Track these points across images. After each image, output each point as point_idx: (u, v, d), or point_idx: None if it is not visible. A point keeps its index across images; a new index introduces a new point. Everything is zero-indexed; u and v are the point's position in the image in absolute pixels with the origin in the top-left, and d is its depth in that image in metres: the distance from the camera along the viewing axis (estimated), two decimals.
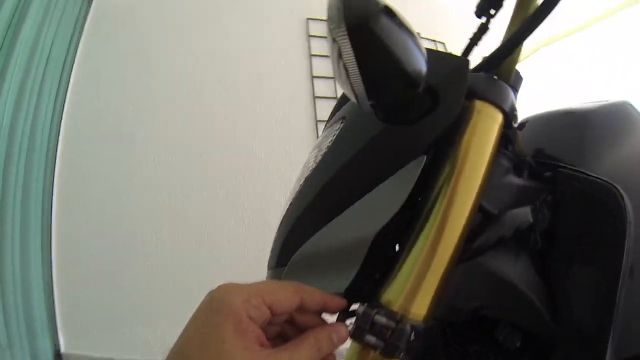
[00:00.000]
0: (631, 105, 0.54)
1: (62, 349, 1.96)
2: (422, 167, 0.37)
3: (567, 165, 0.44)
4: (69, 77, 2.03)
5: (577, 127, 0.50)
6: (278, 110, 2.27)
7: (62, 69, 1.99)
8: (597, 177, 0.41)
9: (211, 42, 2.24)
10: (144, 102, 2.11)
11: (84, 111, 2.04)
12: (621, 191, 0.39)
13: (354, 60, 0.33)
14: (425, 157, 0.38)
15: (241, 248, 2.13)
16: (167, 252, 2.08)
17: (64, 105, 2.01)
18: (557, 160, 0.46)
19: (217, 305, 0.32)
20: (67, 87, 2.02)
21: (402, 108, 0.38)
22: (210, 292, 0.33)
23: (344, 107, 0.51)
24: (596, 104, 0.52)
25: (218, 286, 0.34)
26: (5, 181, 1.70)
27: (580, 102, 0.54)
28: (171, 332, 0.34)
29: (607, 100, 0.53)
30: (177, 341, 0.32)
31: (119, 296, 2.04)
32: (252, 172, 2.21)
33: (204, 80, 2.20)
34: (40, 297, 1.90)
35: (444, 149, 0.39)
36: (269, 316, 0.33)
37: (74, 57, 2.04)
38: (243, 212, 2.18)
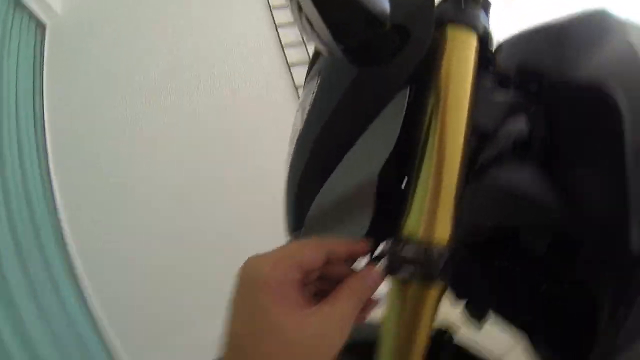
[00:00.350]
0: (607, 11, 0.53)
1: None
2: (407, 99, 0.38)
3: (552, 75, 0.44)
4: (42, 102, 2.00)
5: (556, 39, 0.49)
6: (255, 87, 2.24)
7: (33, 96, 1.96)
8: (584, 80, 0.41)
9: (178, 31, 2.19)
10: (118, 101, 2.09)
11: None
12: (610, 89, 0.39)
13: (314, 8, 0.33)
14: (407, 91, 0.38)
15: (249, 228, 2.15)
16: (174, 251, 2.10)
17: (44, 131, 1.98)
18: (541, 72, 0.46)
19: (248, 281, 0.33)
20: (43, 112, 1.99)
21: (373, 49, 0.38)
22: (238, 272, 0.34)
23: (318, 62, 0.50)
24: (572, 16, 0.52)
25: (244, 263, 0.34)
26: None
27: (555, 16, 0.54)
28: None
29: (582, 11, 0.53)
30: (225, 329, 0.33)
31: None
32: (244, 152, 2.20)
33: (174, 70, 2.17)
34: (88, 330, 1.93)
35: (426, 80, 0.39)
36: (300, 276, 0.34)
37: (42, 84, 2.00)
38: (246, 194, 2.19)
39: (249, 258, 0.35)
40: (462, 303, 0.85)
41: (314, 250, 0.36)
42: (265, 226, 2.17)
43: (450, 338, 0.62)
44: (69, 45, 2.04)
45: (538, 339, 0.65)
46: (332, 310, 0.34)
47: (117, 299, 2.00)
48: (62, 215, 1.96)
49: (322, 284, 0.39)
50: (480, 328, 0.85)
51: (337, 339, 0.33)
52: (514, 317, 0.71)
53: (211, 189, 2.16)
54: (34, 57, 2.00)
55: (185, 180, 2.13)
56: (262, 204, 2.15)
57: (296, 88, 2.28)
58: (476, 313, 0.82)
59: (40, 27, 2.02)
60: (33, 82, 1.98)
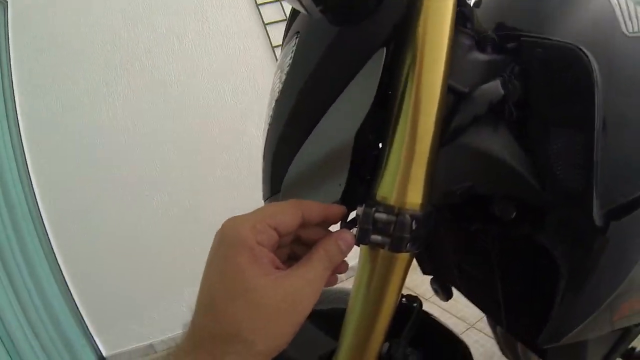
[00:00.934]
0: None
1: (104, 353, 2.04)
2: (383, 59, 0.37)
3: (529, 34, 0.44)
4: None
5: None
6: (231, 47, 2.21)
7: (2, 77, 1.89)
8: (560, 41, 0.41)
9: (148, 1, 2.11)
10: (91, 74, 2.03)
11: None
12: (585, 50, 0.39)
13: None
14: (384, 49, 0.38)
15: (232, 190, 2.17)
16: (161, 225, 2.11)
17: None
18: (519, 31, 0.46)
19: (227, 240, 0.33)
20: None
21: (351, 7, 0.38)
22: (217, 232, 0.34)
23: (295, 21, 0.49)
24: None
25: (222, 223, 0.34)
26: None
27: None
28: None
29: None
30: (201, 285, 0.34)
31: (134, 279, 2.08)
32: (223, 117, 2.19)
33: (151, 42, 2.11)
34: (65, 312, 1.93)
35: (402, 39, 0.39)
36: (277, 238, 0.35)
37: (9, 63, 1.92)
38: (225, 156, 2.19)
39: (227, 220, 0.35)
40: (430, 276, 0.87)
41: (290, 211, 0.36)
42: (245, 188, 2.23)
43: (419, 307, 0.63)
44: (33, 22, 1.97)
45: (498, 315, 0.67)
46: (305, 271, 0.34)
47: (89, 273, 2.01)
48: (39, 197, 1.96)
49: (295, 248, 0.40)
50: (446, 300, 0.87)
51: (309, 301, 0.34)
52: (476, 293, 0.73)
53: (188, 158, 2.16)
54: None
55: (162, 152, 2.12)
56: (239, 166, 2.17)
57: (272, 48, 2.26)
58: (442, 287, 0.84)
59: (2, 4, 1.94)
60: (0, 63, 1.92)
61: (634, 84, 0.43)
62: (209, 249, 0.34)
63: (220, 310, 0.32)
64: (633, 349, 0.95)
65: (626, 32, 0.44)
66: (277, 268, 0.34)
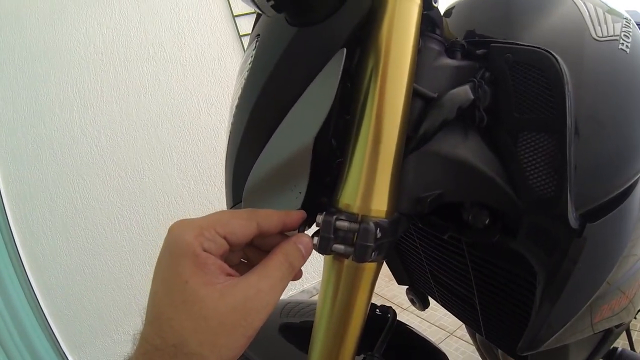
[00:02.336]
0: None
1: None
2: (344, 60, 0.36)
3: (498, 40, 0.44)
4: None
5: (504, 3, 0.49)
6: (207, 58, 2.21)
7: None
8: (529, 45, 0.41)
9: (124, 11, 2.10)
10: (70, 89, 2.00)
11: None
12: (554, 54, 0.39)
13: None
14: (344, 50, 0.36)
15: (208, 204, 2.15)
16: (137, 232, 2.08)
17: None
18: (488, 38, 0.46)
19: (172, 247, 0.31)
20: None
21: (310, 6, 0.37)
22: (165, 236, 0.32)
23: (257, 24, 0.48)
24: None
25: (169, 228, 0.32)
26: None
27: None
28: None
29: None
30: (149, 296, 0.32)
31: (108, 295, 2.04)
32: (197, 128, 2.18)
33: (125, 51, 2.08)
34: (36, 328, 1.89)
35: (366, 41, 0.38)
36: (226, 247, 0.32)
37: None
38: (199, 169, 2.18)
39: (174, 223, 0.33)
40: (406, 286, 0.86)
41: (244, 221, 0.34)
42: (216, 202, 2.21)
43: (393, 317, 0.62)
44: (7, 23, 1.91)
45: (476, 324, 0.67)
46: (259, 279, 0.32)
47: (62, 289, 1.96)
48: (7, 209, 1.90)
49: (248, 251, 0.38)
50: (422, 310, 0.87)
51: (262, 311, 0.32)
52: (453, 302, 0.72)
53: (162, 169, 2.14)
54: None
55: (135, 163, 2.09)
56: (213, 180, 2.15)
57: (240, 37, 2.26)
58: (418, 297, 0.84)
59: None
60: None
61: (603, 87, 0.43)
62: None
63: (165, 323, 0.30)
64: (615, 349, 0.96)
65: (595, 37, 0.44)
66: (228, 275, 0.32)
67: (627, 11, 0.54)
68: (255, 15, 0.51)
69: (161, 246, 0.32)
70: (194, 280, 0.30)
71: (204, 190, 2.24)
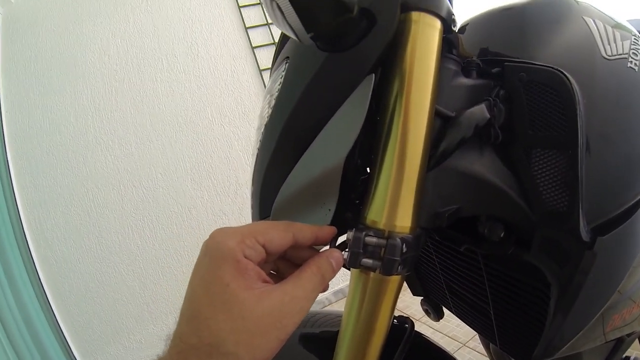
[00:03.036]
0: None
1: None
2: (372, 86, 0.38)
3: (512, 59, 0.45)
4: None
5: (517, 21, 0.51)
6: (220, 70, 2.23)
7: None
8: (542, 65, 0.42)
9: (138, 22, 2.12)
10: (84, 99, 2.03)
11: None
12: (566, 74, 0.41)
13: None
14: (373, 75, 0.38)
15: (222, 215, 2.16)
16: (150, 241, 2.10)
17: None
18: (503, 56, 0.47)
19: (213, 252, 0.33)
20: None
21: (341, 34, 0.39)
22: (204, 242, 0.34)
23: (285, 46, 0.50)
24: None
25: (210, 234, 0.34)
26: None
27: None
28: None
29: None
30: (185, 297, 0.33)
31: (120, 303, 2.05)
32: (211, 139, 2.20)
33: (139, 62, 2.11)
34: (49, 336, 1.91)
35: (390, 66, 0.40)
36: (264, 255, 0.34)
37: None
38: (213, 180, 2.19)
39: (215, 230, 0.34)
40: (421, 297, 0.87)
41: (282, 231, 0.36)
42: (230, 213, 2.22)
43: (411, 328, 0.63)
44: (24, 32, 1.97)
45: (490, 333, 0.68)
46: (293, 287, 0.34)
47: (75, 296, 1.98)
48: (23, 218, 1.93)
49: (279, 264, 0.40)
50: (437, 321, 0.87)
51: (295, 317, 0.34)
52: (467, 312, 0.73)
53: (176, 180, 2.15)
54: None
55: (149, 173, 2.11)
56: (227, 190, 2.17)
57: (260, 71, 2.28)
58: (433, 308, 0.85)
59: None
60: None
61: (613, 105, 0.45)
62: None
63: (202, 322, 0.31)
64: (627, 357, 0.96)
65: (605, 56, 0.46)
66: (265, 281, 0.34)
67: (630, 20, 0.55)
68: (278, 36, 0.53)
69: (201, 250, 0.34)
70: (235, 284, 0.31)
71: (217, 202, 2.26)
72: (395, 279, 0.41)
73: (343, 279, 2.48)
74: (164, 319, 2.12)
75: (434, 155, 0.41)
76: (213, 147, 2.24)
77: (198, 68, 2.20)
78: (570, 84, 0.40)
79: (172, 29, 2.16)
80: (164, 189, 2.15)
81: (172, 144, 2.15)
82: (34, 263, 1.93)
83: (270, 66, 0.58)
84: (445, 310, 0.84)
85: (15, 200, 1.91)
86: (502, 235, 0.46)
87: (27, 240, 1.92)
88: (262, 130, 0.49)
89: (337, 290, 2.60)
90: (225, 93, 2.26)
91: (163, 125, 2.13)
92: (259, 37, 2.29)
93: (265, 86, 2.22)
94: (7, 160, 1.91)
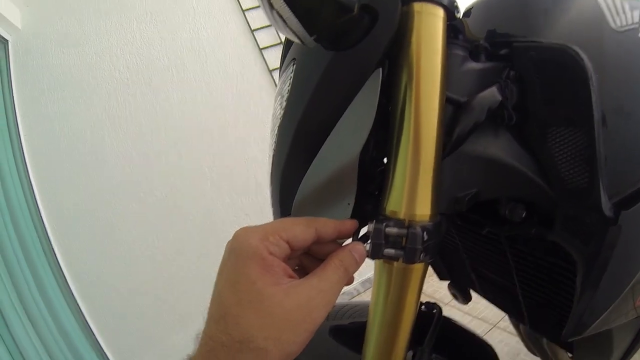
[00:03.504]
0: None
1: None
2: (381, 80, 0.38)
3: (521, 39, 0.45)
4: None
5: (522, 1, 0.50)
6: (229, 74, 2.24)
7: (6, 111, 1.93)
8: (551, 43, 0.42)
9: (145, 35, 2.15)
10: (99, 114, 2.07)
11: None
12: (576, 49, 0.40)
13: (285, 3, 0.34)
14: (380, 70, 0.39)
15: (244, 217, 2.18)
16: (174, 248, 2.11)
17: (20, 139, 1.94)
18: (510, 37, 0.47)
19: (238, 251, 0.34)
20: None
21: (344, 33, 0.39)
22: (228, 243, 0.35)
23: (292, 48, 0.51)
24: None
25: (234, 234, 0.35)
26: None
27: None
28: None
29: None
30: (212, 298, 0.34)
31: (151, 310, 2.10)
32: (226, 142, 2.22)
33: (150, 73, 2.14)
34: (85, 346, 1.95)
35: (397, 58, 0.40)
36: (288, 251, 0.35)
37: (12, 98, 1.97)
38: (233, 182, 2.21)
39: (239, 229, 0.35)
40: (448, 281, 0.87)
41: (304, 227, 0.36)
42: (252, 213, 2.24)
43: (439, 312, 0.63)
44: (34, 57, 2.01)
45: (519, 314, 0.68)
46: (319, 281, 0.35)
47: (106, 305, 2.02)
48: (49, 230, 1.97)
49: (304, 259, 0.40)
50: (465, 304, 0.88)
51: (322, 310, 0.34)
52: (495, 294, 0.73)
53: (196, 186, 2.18)
54: (1, 72, 1.99)
55: (168, 182, 2.14)
56: (247, 191, 2.19)
57: (270, 71, 2.28)
58: (460, 291, 0.85)
59: (3, 42, 1.99)
60: (3, 98, 1.96)
61: (626, 77, 0.44)
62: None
63: (231, 320, 0.32)
64: None
65: (615, 28, 0.45)
66: (290, 277, 0.34)
67: None
68: (284, 39, 0.54)
69: (225, 251, 0.35)
70: (262, 281, 0.32)
71: (239, 202, 2.28)
72: (418, 267, 0.41)
73: (370, 268, 2.48)
74: (196, 322, 2.15)
75: (449, 141, 0.41)
76: (230, 149, 2.25)
77: (208, 74, 2.22)
78: (581, 59, 0.40)
79: (178, 38, 2.18)
80: (183, 194, 2.17)
81: (188, 150, 2.17)
82: (65, 277, 1.97)
83: (279, 66, 0.58)
84: (473, 292, 0.84)
85: (42, 219, 1.96)
86: (523, 215, 0.46)
87: (56, 256, 1.96)
88: (276, 131, 0.49)
89: (365, 280, 2.59)
90: (237, 96, 2.27)
91: (178, 133, 2.15)
92: (265, 38, 2.29)
93: (276, 85, 2.23)
94: (30, 179, 1.95)
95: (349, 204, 0.41)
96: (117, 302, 2.06)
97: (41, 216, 1.96)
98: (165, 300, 2.15)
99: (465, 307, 1.84)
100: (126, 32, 2.11)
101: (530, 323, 0.68)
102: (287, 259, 0.36)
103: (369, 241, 0.40)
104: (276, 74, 2.26)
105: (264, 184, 2.29)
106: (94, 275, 2.02)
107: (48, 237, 1.96)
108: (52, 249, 1.96)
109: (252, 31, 2.27)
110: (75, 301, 1.97)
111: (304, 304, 0.33)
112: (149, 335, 2.14)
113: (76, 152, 2.02)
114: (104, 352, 2.01)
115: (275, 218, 0.52)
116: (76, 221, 2.01)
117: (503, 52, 0.45)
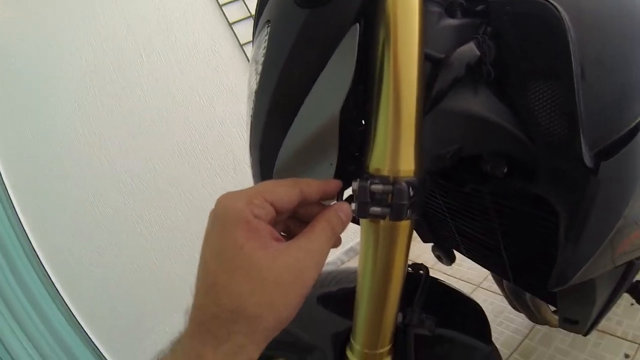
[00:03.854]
0: None
1: None
2: (358, 36, 0.38)
3: None
4: None
5: None
6: (200, 52, 2.20)
7: None
8: None
9: (111, 23, 2.07)
10: (69, 105, 2.00)
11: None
12: (553, 2, 0.40)
13: None
14: (357, 25, 0.38)
15: (222, 192, 2.17)
16: (159, 232, 2.12)
17: None
18: None
19: (222, 217, 0.32)
20: None
21: None
22: (211, 211, 0.33)
23: (265, 10, 0.50)
24: None
25: (216, 201, 0.34)
26: None
27: None
28: None
29: None
30: (198, 270, 0.33)
31: (142, 294, 2.10)
32: (202, 121, 2.19)
33: (119, 60, 2.08)
34: (73, 337, 1.93)
35: (374, 14, 0.39)
36: (273, 214, 0.34)
37: None
38: (210, 161, 2.19)
39: (221, 196, 0.34)
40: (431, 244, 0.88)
41: (289, 188, 0.35)
42: (234, 189, 2.21)
43: (426, 273, 0.64)
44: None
45: (503, 270, 0.69)
46: (307, 242, 0.34)
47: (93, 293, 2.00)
48: (30, 232, 1.91)
49: (290, 223, 0.39)
50: (449, 265, 0.89)
51: (313, 272, 0.33)
52: (479, 253, 0.74)
53: (176, 165, 2.15)
54: None
55: (148, 162, 2.11)
56: (225, 168, 2.18)
57: (241, 46, 2.25)
58: (444, 253, 0.86)
59: None
60: None
61: (604, 28, 0.44)
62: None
63: (221, 289, 0.31)
64: (638, 282, 0.98)
65: None
66: (277, 240, 0.33)
67: None
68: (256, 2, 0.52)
69: (208, 220, 0.33)
70: (249, 245, 0.31)
71: (218, 181, 2.25)
72: (405, 224, 0.41)
73: (353, 236, 2.50)
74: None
75: (429, 98, 0.40)
76: (205, 129, 2.22)
77: (178, 54, 2.16)
78: (558, 11, 0.39)
79: (145, 21, 2.10)
80: (163, 178, 2.14)
81: (163, 133, 2.13)
82: (49, 277, 1.92)
83: (251, 39, 0.57)
84: (456, 255, 0.86)
85: (17, 214, 1.90)
86: (505, 170, 0.47)
87: (38, 257, 1.90)
88: (253, 98, 0.48)
89: (349, 249, 2.62)
90: (209, 74, 2.22)
91: (152, 116, 2.10)
92: (235, 12, 2.23)
93: (248, 60, 2.18)
94: (2, 177, 1.89)
95: (331, 164, 0.41)
96: (104, 294, 2.04)
97: (16, 212, 1.90)
98: (154, 284, 2.14)
99: (449, 270, 1.88)
100: (91, 19, 2.03)
101: (514, 279, 0.70)
102: (273, 223, 0.34)
103: (354, 202, 0.39)
104: (247, 48, 2.22)
105: (242, 161, 2.27)
106: (79, 270, 1.99)
107: (29, 239, 1.90)
108: (35, 251, 1.91)
109: (221, 6, 2.21)
110: (63, 300, 1.94)
111: (294, 266, 0.32)
112: (142, 322, 2.13)
113: (48, 147, 1.97)
114: (93, 342, 2.00)
115: (255, 183, 0.51)
116: (56, 218, 1.96)
117: (479, 8, 0.44)
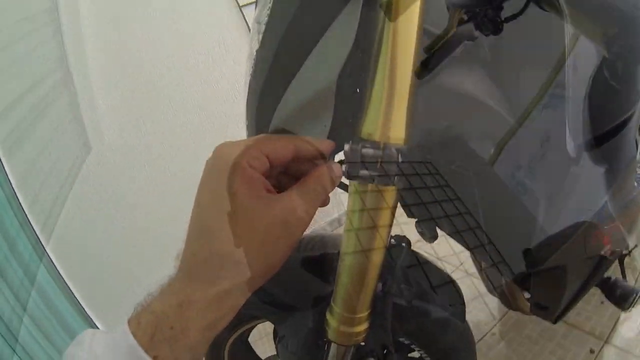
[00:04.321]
0: None
1: None
2: (361, 6, 0.39)
3: None
4: None
5: None
6: (200, 12, 2.13)
7: None
8: None
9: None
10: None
11: None
12: None
13: None
14: None
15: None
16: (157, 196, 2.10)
17: None
18: None
19: (218, 165, 0.33)
20: None
21: None
22: (208, 160, 0.34)
23: None
24: None
25: (213, 150, 0.34)
26: None
27: None
28: None
29: None
30: (192, 214, 0.34)
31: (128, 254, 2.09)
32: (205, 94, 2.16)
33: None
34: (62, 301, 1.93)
35: None
36: (267, 166, 0.35)
37: None
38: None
39: (219, 145, 0.35)
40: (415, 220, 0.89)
41: (284, 142, 0.36)
42: None
43: (408, 245, 0.66)
44: None
45: (482, 251, 0.71)
46: (298, 195, 0.35)
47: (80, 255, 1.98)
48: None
49: (282, 178, 0.40)
50: (431, 242, 0.91)
51: (302, 224, 0.35)
52: (460, 231, 0.76)
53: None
54: None
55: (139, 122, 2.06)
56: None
57: (240, 7, 2.17)
58: (427, 229, 0.87)
59: None
60: None
61: None
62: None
63: (212, 235, 0.31)
64: (609, 277, 1.01)
65: None
66: (269, 191, 0.34)
67: None
68: None
69: (205, 167, 0.34)
70: (242, 192, 0.32)
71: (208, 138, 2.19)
72: (392, 189, 0.42)
73: (337, 208, 2.50)
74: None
75: (425, 72, 0.41)
76: (211, 100, 2.18)
77: (176, 15, 2.09)
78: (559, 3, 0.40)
79: None
80: (151, 136, 2.09)
81: (158, 94, 2.08)
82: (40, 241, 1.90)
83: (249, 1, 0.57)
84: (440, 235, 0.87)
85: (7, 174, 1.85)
86: (492, 152, 0.48)
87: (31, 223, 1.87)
88: (254, 57, 0.49)
89: (333, 220, 2.62)
90: (206, 34, 2.16)
91: (145, 78, 2.04)
92: None
93: (246, 22, 2.13)
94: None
95: (325, 125, 0.42)
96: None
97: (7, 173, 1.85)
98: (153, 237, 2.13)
99: (430, 250, 1.90)
100: None
101: (493, 261, 0.72)
102: (267, 175, 0.35)
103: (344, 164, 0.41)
104: (246, 10, 2.14)
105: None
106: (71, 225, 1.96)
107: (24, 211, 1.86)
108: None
109: None
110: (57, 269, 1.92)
111: (284, 216, 0.33)
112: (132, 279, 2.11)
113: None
114: (81, 305, 2.00)
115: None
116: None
117: None
